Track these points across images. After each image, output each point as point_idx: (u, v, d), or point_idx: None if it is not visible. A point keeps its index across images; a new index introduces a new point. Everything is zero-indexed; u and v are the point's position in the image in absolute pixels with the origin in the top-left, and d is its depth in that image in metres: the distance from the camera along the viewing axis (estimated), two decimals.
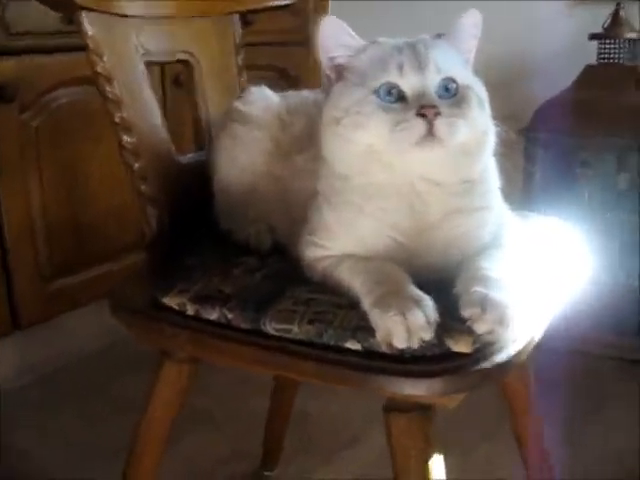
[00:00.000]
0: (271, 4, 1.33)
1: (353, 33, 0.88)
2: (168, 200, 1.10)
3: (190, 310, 0.92)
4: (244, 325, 0.86)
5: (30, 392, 1.86)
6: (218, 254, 1.04)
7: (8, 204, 1.80)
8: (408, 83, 0.83)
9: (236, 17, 1.30)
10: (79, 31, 1.03)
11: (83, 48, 1.95)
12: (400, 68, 0.83)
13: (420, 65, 0.83)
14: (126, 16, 1.09)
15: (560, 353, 1.77)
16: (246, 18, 2.37)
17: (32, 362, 1.94)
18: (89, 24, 1.02)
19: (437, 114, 0.80)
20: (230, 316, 0.88)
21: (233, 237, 1.08)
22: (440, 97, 0.83)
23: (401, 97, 0.83)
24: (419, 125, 0.80)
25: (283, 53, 2.54)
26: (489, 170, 0.91)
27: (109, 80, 1.05)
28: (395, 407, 0.83)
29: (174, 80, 2.10)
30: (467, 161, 0.86)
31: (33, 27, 1.82)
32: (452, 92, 0.84)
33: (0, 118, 1.75)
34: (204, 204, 1.14)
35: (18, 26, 1.78)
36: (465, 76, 0.87)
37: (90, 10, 1.01)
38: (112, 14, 1.06)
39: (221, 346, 0.89)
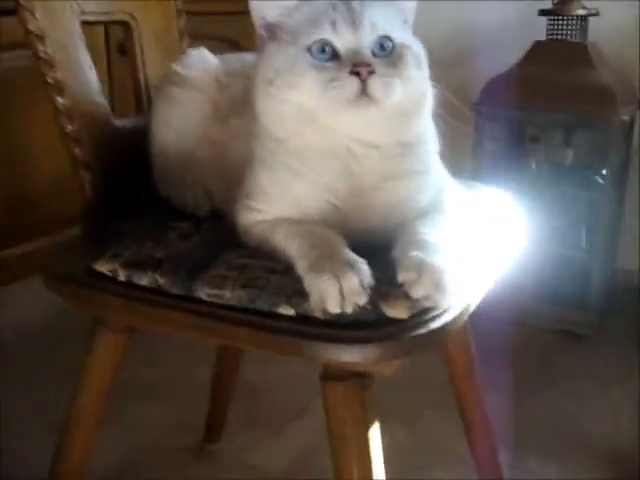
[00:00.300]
0: None
1: None
2: (103, 165, 1.07)
3: (122, 276, 0.89)
4: (176, 291, 0.84)
5: None
6: (154, 220, 1.01)
7: None
8: (342, 41, 0.80)
9: None
10: None
11: None
12: (333, 25, 0.80)
13: (354, 22, 0.80)
14: None
15: (502, 323, 1.79)
16: None
17: None
18: None
19: (371, 72, 0.77)
20: (162, 281, 0.85)
21: (172, 202, 1.06)
22: (375, 56, 0.81)
23: (335, 55, 0.80)
24: (352, 84, 0.77)
25: (233, 23, 2.49)
26: (427, 133, 0.89)
27: (41, 39, 1.01)
28: (331, 375, 0.81)
29: (119, 47, 2.04)
30: (404, 122, 0.84)
31: None
32: (388, 50, 0.82)
33: None
34: (144, 169, 1.11)
35: None
36: (402, 35, 0.84)
37: None
38: None
39: (153, 312, 0.86)
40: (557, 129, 2.13)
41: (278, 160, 0.86)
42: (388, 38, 0.82)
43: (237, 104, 0.98)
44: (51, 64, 1.01)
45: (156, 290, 0.86)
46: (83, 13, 1.09)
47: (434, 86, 0.87)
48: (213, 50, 1.16)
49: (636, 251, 2.24)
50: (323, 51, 0.80)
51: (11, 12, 1.77)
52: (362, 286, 0.73)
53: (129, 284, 0.88)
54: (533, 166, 2.13)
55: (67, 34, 1.06)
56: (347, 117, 0.80)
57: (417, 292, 0.74)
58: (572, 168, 2.12)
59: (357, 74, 0.77)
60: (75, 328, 1.70)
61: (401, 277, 0.75)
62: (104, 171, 1.07)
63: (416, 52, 0.85)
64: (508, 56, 2.07)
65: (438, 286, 0.75)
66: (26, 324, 2.01)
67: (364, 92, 0.77)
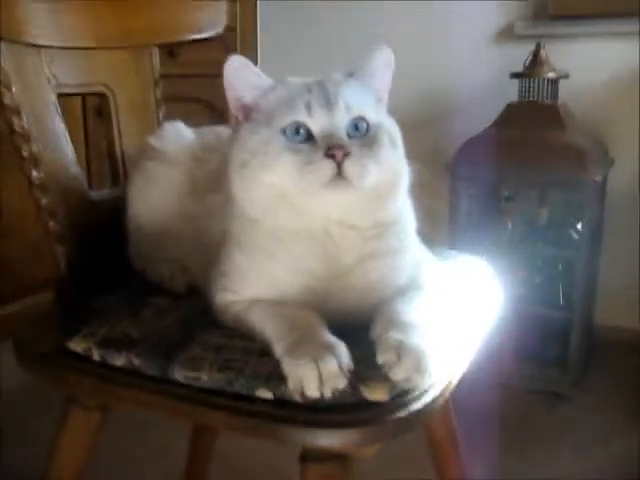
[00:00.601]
0: (190, 37, 1.30)
1: (260, 72, 0.86)
2: (78, 238, 1.05)
3: (96, 355, 0.87)
4: (151, 372, 0.82)
5: None
6: (129, 294, 1.00)
7: None
8: (316, 122, 0.80)
9: (155, 49, 1.26)
10: None
11: None
12: (308, 107, 0.80)
13: (328, 104, 0.80)
14: (38, 46, 1.04)
15: (481, 385, 1.77)
16: (172, 50, 2.36)
17: None
18: None
19: (346, 155, 0.77)
20: (137, 362, 0.83)
21: (147, 277, 1.05)
22: (350, 137, 0.80)
23: (309, 137, 0.80)
24: (327, 166, 0.77)
25: (210, 85, 2.50)
26: (403, 211, 0.89)
27: (17, 112, 1.00)
28: (311, 457, 0.79)
29: (96, 111, 2.05)
30: (380, 203, 0.84)
31: None
32: (363, 131, 0.82)
33: None
34: (119, 242, 1.10)
35: None
36: (377, 115, 0.85)
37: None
38: (23, 43, 1.02)
39: (128, 394, 0.84)
40: (531, 189, 2.16)
41: (253, 240, 0.85)
42: (363, 119, 0.82)
43: (214, 179, 0.97)
44: (27, 138, 1.00)
45: (130, 372, 0.84)
46: (59, 86, 1.09)
47: (409, 164, 0.87)
48: (188, 112, 1.16)
49: (614, 307, 2.25)
50: (298, 133, 0.80)
51: None
52: (341, 369, 0.72)
53: (102, 364, 0.86)
54: (509, 225, 2.15)
55: (43, 107, 1.05)
56: (323, 200, 0.80)
57: (397, 374, 0.73)
58: (547, 227, 2.15)
59: (332, 156, 0.77)
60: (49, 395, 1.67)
61: (380, 359, 0.74)
62: (79, 243, 1.05)
63: (390, 132, 0.85)
64: (482, 118, 2.11)
65: (418, 368, 0.74)
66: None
67: (339, 174, 0.77)
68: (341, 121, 0.80)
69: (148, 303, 0.96)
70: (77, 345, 0.89)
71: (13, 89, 0.99)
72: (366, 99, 0.85)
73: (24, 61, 1.03)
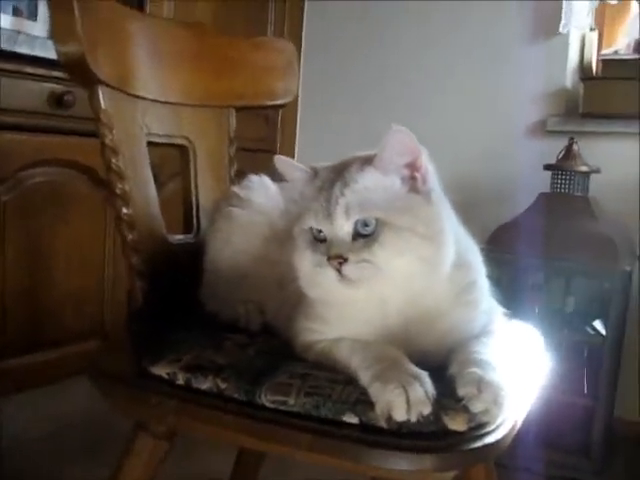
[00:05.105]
0: (266, 103, 1.40)
1: (301, 166, 0.93)
2: (156, 274, 1.12)
3: (180, 379, 0.92)
4: (238, 396, 0.87)
5: None
6: (205, 330, 1.05)
7: None
8: (324, 228, 0.87)
9: (232, 111, 1.36)
10: (91, 103, 1.07)
11: (63, 131, 1.99)
12: (316, 215, 0.88)
13: (329, 214, 0.86)
14: (136, 97, 1.14)
15: (506, 470, 1.77)
16: None
17: None
18: (104, 98, 1.07)
19: (342, 262, 0.84)
20: (223, 386, 0.88)
21: (220, 317, 1.10)
22: (357, 236, 0.86)
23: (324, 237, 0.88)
24: (330, 272, 0.85)
25: (253, 160, 2.62)
26: (467, 266, 0.94)
27: (115, 153, 1.09)
28: None
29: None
30: (416, 277, 0.86)
31: (18, 105, 1.86)
32: (370, 230, 0.85)
33: None
34: (190, 285, 1.16)
35: (4, 102, 1.81)
36: (386, 209, 0.86)
37: (107, 86, 1.06)
38: (125, 93, 1.11)
39: (212, 416, 0.88)
40: (558, 277, 2.22)
41: None
42: (365, 221, 0.85)
43: None
44: (121, 176, 1.09)
45: (215, 395, 0.89)
46: (149, 134, 1.18)
47: None
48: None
49: (634, 401, 2.27)
50: (320, 231, 0.88)
51: (50, 131, 1.90)
52: (427, 396, 0.78)
53: (186, 387, 0.91)
54: (535, 312, 2.20)
55: (136, 151, 1.14)
56: (340, 292, 0.87)
57: (477, 406, 0.79)
58: (573, 314, 2.20)
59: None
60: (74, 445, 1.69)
61: (461, 392, 0.80)
62: (155, 280, 1.12)
63: (402, 226, 0.85)
64: (514, 206, 2.20)
65: (496, 401, 0.79)
66: (20, 437, 1.98)
67: (342, 276, 0.85)
68: (341, 228, 0.86)
69: (227, 337, 1.01)
70: (161, 369, 0.94)
71: (114, 131, 1.09)
72: (378, 192, 0.87)
73: (124, 108, 1.12)
